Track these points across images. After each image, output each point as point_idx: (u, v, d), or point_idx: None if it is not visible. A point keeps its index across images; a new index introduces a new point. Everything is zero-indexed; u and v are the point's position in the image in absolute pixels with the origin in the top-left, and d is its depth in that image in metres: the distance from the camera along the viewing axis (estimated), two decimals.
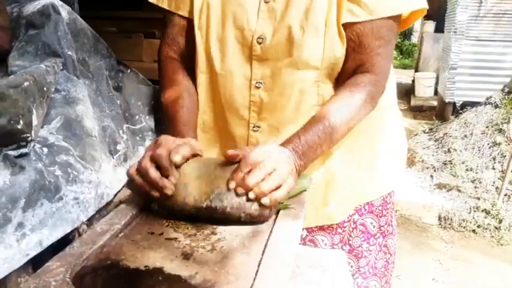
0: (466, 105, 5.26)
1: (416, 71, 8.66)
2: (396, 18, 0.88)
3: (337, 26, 0.84)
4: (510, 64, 4.91)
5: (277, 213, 0.71)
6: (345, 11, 0.83)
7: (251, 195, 0.66)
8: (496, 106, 3.96)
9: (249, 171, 0.67)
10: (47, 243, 0.60)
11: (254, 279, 0.53)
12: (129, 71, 1.05)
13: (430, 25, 8.35)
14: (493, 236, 3.05)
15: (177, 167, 0.69)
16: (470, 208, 3.27)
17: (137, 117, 0.99)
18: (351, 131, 0.92)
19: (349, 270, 1.06)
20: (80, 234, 0.67)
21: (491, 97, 4.10)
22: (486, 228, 3.10)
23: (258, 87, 0.91)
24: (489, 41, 5.58)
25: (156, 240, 0.63)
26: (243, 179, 0.67)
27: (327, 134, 0.81)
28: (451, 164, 3.74)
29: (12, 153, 0.60)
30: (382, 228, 1.10)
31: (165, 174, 0.67)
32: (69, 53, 0.77)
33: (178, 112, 0.86)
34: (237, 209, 0.67)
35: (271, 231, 0.65)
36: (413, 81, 8.20)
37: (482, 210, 3.23)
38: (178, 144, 0.71)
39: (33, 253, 0.57)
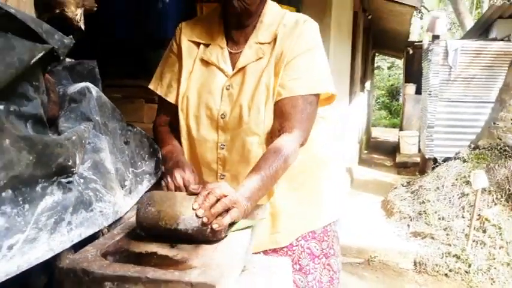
0: (446, 160, 5.64)
1: (401, 129, 9.16)
2: (313, 95, 1.23)
3: (273, 104, 1.22)
4: (481, 123, 5.35)
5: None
6: (276, 93, 1.22)
7: (204, 219, 0.89)
8: (464, 161, 4.34)
9: (205, 197, 0.92)
10: (83, 236, 0.92)
11: (216, 252, 0.86)
12: (135, 129, 1.42)
13: (411, 87, 8.98)
14: (463, 279, 3.29)
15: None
16: (442, 254, 3.54)
17: (139, 163, 1.35)
18: (293, 176, 1.27)
19: (296, 284, 1.35)
20: (103, 234, 1.00)
21: (459, 152, 4.49)
22: (457, 272, 3.35)
23: (222, 148, 1.27)
24: (460, 102, 6.09)
25: (154, 237, 0.96)
26: (202, 202, 0.91)
27: (263, 182, 1.07)
28: (425, 213, 4.05)
29: (63, 180, 0.94)
30: (324, 250, 1.39)
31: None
32: (97, 118, 1.14)
33: (179, 159, 1.22)
34: (196, 232, 0.90)
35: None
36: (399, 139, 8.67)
37: (454, 256, 3.49)
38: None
39: (76, 241, 0.89)
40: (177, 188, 1.10)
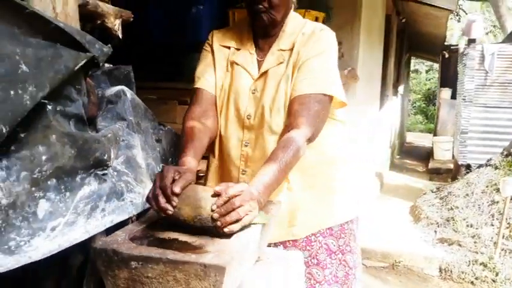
0: (480, 167, 5.52)
1: (436, 135, 8.99)
2: (322, 94, 1.30)
3: None
4: None
5: None
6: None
7: (218, 223, 0.97)
8: (496, 168, 4.26)
9: (225, 203, 0.99)
10: (115, 222, 1.04)
11: (229, 241, 0.97)
12: (166, 128, 1.54)
13: (447, 92, 8.80)
14: None
15: (177, 194, 1.02)
16: (469, 261, 3.50)
17: (170, 159, 1.48)
18: (307, 174, 1.36)
19: (313, 277, 1.44)
20: (132, 221, 1.12)
21: (491, 159, 4.41)
22: (484, 281, 3.31)
23: (246, 146, 1.38)
24: (496, 108, 5.94)
25: (175, 226, 1.07)
26: (220, 207, 0.98)
27: (275, 175, 1.14)
28: (453, 220, 4.01)
29: (99, 172, 1.07)
30: (340, 247, 1.46)
31: (168, 201, 1.00)
32: (130, 118, 1.27)
33: (187, 148, 1.24)
34: (209, 229, 0.99)
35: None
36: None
37: (481, 264, 3.45)
38: (178, 175, 1.03)
39: (108, 225, 1.01)
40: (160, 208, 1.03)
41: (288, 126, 1.29)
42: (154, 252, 0.89)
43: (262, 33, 1.42)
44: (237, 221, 0.99)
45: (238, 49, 1.44)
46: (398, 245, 3.82)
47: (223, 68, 1.43)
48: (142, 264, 0.89)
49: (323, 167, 1.43)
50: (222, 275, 0.84)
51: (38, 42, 0.95)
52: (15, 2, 0.91)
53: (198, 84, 1.43)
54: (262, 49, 1.43)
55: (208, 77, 1.43)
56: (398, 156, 9.31)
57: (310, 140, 1.30)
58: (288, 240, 1.42)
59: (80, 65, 1.03)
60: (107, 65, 1.43)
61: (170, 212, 1.00)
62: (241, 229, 1.03)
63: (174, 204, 1.01)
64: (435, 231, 4.02)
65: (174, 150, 1.49)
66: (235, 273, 0.92)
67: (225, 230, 0.98)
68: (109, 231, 1.03)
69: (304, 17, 3.35)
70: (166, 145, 1.47)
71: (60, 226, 0.97)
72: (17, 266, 0.85)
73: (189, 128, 1.32)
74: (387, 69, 6.40)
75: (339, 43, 4.14)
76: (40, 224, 0.94)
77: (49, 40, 0.98)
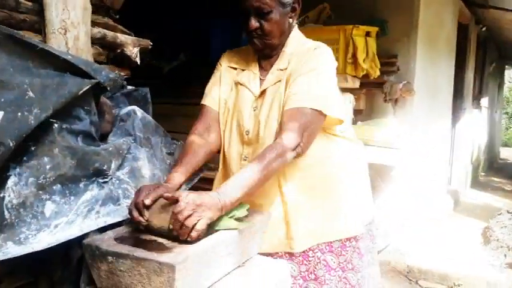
0: None
1: None
2: (310, 108, 1.34)
3: None
4: None
5: None
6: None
7: (175, 233, 1.10)
8: None
9: (179, 212, 1.09)
10: (108, 223, 1.20)
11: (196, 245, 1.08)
12: (179, 143, 1.70)
13: None
14: None
15: (147, 207, 1.18)
16: None
17: None
18: (303, 188, 1.42)
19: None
20: (126, 223, 1.30)
21: None
22: None
23: (244, 160, 1.48)
24: None
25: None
26: (175, 219, 1.10)
27: (244, 181, 1.23)
28: None
29: (100, 180, 1.26)
30: (341, 264, 1.48)
31: (140, 214, 1.17)
32: (139, 134, 1.44)
33: (181, 162, 1.41)
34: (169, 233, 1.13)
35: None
36: None
37: None
38: (151, 191, 1.20)
39: (101, 225, 1.18)
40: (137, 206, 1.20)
41: (276, 137, 1.37)
42: (125, 249, 1.04)
43: (262, 55, 1.53)
44: (192, 229, 1.10)
45: (243, 70, 1.56)
46: (459, 266, 3.58)
47: (229, 86, 1.56)
48: (116, 259, 1.04)
49: (321, 182, 1.46)
50: (173, 272, 0.96)
51: (47, 72, 1.17)
52: (28, 41, 1.13)
53: (204, 101, 1.59)
54: (265, 69, 1.53)
55: (214, 94, 1.57)
56: (483, 174, 8.61)
57: (299, 150, 1.34)
58: (285, 253, 1.46)
59: (84, 89, 1.23)
60: (129, 87, 1.63)
61: (144, 224, 1.17)
62: (212, 225, 1.16)
63: (145, 218, 1.17)
64: (505, 255, 3.70)
65: None
66: (194, 273, 1.03)
67: (184, 239, 1.10)
68: (105, 230, 1.20)
69: (351, 32, 3.33)
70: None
71: (62, 224, 1.16)
72: (20, 254, 1.05)
73: (188, 143, 1.49)
74: (464, 82, 6.03)
75: (394, 56, 4.02)
76: (47, 221, 1.14)
77: (59, 71, 1.20)
